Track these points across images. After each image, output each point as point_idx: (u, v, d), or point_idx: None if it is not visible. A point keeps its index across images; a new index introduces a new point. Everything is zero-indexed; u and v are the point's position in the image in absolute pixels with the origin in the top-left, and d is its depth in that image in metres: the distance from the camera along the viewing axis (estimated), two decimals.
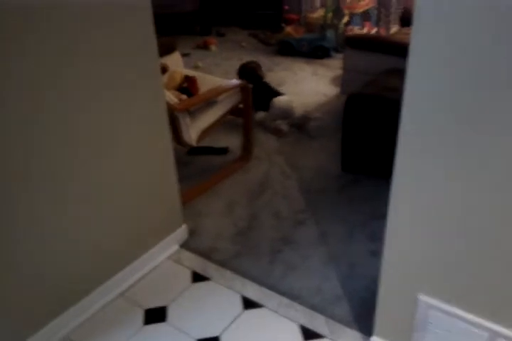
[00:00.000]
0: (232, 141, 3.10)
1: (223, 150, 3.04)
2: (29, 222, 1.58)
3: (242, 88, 2.74)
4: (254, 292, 1.98)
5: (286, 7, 4.95)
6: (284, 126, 3.24)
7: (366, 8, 4.57)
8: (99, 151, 1.73)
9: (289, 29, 4.57)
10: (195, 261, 2.15)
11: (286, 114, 3.31)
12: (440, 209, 1.24)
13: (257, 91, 3.32)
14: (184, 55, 4.41)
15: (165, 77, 2.75)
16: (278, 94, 3.49)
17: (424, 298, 1.42)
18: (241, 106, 2.81)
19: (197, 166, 2.91)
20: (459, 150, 1.12)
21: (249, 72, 3.59)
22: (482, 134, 1.07)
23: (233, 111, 2.79)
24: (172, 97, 2.41)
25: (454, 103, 1.07)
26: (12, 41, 1.36)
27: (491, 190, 1.13)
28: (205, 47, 4.79)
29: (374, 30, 4.41)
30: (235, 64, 3.77)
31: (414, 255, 1.37)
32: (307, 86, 3.89)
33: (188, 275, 2.08)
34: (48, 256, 1.68)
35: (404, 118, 1.17)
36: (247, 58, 4.31)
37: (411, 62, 1.08)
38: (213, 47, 4.76)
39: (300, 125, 3.27)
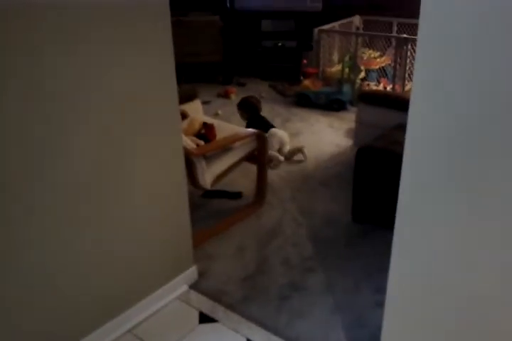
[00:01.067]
0: (247, 186, 3.19)
1: (237, 195, 3.12)
2: (39, 260, 1.65)
3: (257, 136, 2.85)
4: (260, 336, 1.99)
5: (305, 61, 5.17)
6: (280, 157, 3.53)
7: (382, 65, 4.75)
8: (117, 192, 1.82)
9: (306, 82, 4.75)
10: (203, 303, 2.18)
11: (281, 145, 3.60)
12: (439, 266, 1.28)
13: (253, 121, 3.67)
14: (205, 102, 4.59)
15: (184, 123, 2.89)
16: (272, 126, 3.73)
17: None
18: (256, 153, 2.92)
19: (210, 209, 2.98)
20: (459, 208, 1.18)
21: (249, 104, 3.80)
22: (480, 192, 1.13)
23: (248, 157, 2.90)
24: (190, 142, 2.53)
25: (451, 163, 1.14)
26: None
27: (491, 247, 1.17)
28: (225, 96, 4.99)
29: (389, 87, 4.57)
30: None
31: (415, 307, 1.40)
32: (323, 137, 4.01)
33: (195, 316, 2.10)
34: (59, 291, 1.73)
35: (404, 173, 1.24)
36: (265, 107, 4.47)
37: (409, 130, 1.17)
38: (233, 96, 4.95)
39: (289, 157, 3.60)
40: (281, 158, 3.54)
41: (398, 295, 1.46)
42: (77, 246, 1.73)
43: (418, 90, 1.13)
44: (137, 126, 1.81)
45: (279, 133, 3.63)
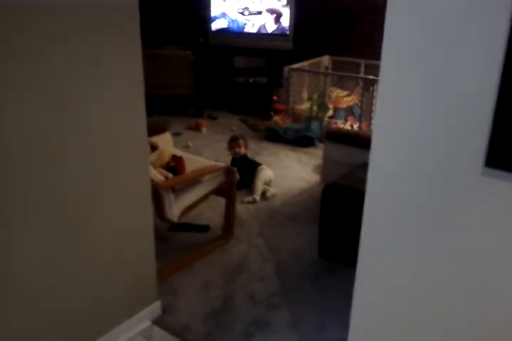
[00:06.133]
0: (214, 219, 3.18)
1: (204, 228, 3.11)
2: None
3: (226, 170, 2.87)
4: None
5: (275, 98, 5.29)
6: (270, 192, 3.62)
7: (350, 104, 4.90)
8: (83, 225, 1.80)
9: (276, 118, 4.84)
10: (166, 339, 2.14)
11: (269, 181, 3.74)
12: (400, 304, 1.30)
13: (241, 167, 3.57)
14: (176, 134, 4.62)
15: (154, 155, 2.89)
16: (259, 164, 3.80)
17: None
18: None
19: (177, 242, 2.96)
20: (419, 246, 1.21)
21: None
22: (442, 231, 1.17)
23: (217, 191, 2.91)
24: (158, 175, 2.52)
25: (413, 196, 1.18)
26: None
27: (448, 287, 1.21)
28: (196, 128, 5.02)
29: (356, 125, 4.71)
30: (224, 146, 3.96)
31: None
32: (291, 172, 4.07)
33: None
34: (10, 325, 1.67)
35: (365, 213, 1.28)
36: None
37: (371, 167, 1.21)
38: (204, 129, 4.99)
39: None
40: (269, 195, 3.60)
41: (361, 331, 1.47)
42: (39, 278, 1.69)
43: (378, 132, 1.18)
44: (104, 158, 1.81)
45: (270, 172, 3.78)
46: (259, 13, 5.30)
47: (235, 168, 2.95)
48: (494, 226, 1.05)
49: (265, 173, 3.70)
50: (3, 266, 1.58)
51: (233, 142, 3.84)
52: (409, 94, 1.09)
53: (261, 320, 2.30)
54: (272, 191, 3.63)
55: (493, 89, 0.95)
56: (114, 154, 1.84)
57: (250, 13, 5.32)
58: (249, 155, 4.00)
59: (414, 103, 1.09)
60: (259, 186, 3.59)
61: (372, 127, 4.45)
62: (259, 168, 3.72)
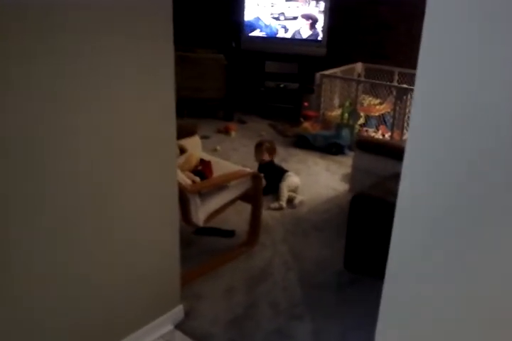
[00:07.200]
0: (240, 224, 3.17)
1: (230, 233, 3.10)
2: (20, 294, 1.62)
3: (253, 176, 2.86)
4: None
5: (306, 104, 5.25)
6: (297, 199, 3.58)
7: (382, 112, 4.83)
8: (108, 225, 1.81)
9: (306, 124, 4.81)
10: None
11: (296, 188, 3.69)
12: (426, 321, 1.27)
13: (267, 173, 3.54)
14: (205, 137, 4.63)
15: (182, 159, 2.90)
16: (285, 171, 3.79)
17: None
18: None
19: (202, 247, 2.95)
20: (448, 264, 1.17)
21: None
22: (473, 251, 1.13)
23: (243, 196, 2.89)
24: (185, 179, 2.53)
25: (443, 225, 1.14)
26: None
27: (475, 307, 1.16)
28: (226, 132, 5.03)
29: (388, 134, 4.63)
30: (252, 151, 3.95)
31: None
32: (319, 180, 4.03)
33: None
34: (37, 325, 1.68)
35: (395, 228, 1.24)
36: None
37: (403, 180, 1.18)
38: (233, 133, 4.99)
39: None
40: (297, 202, 3.58)
41: None
42: (61, 279, 1.70)
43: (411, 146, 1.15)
44: (131, 160, 1.82)
45: (296, 178, 3.75)
46: (295, 18, 5.29)
47: (261, 174, 2.94)
48: None
49: (292, 180, 3.68)
50: (22, 266, 1.59)
51: (258, 148, 3.83)
52: (445, 105, 1.06)
53: (282, 330, 2.27)
54: (299, 198, 3.59)
55: None
56: (142, 155, 1.85)
57: (286, 19, 5.32)
58: (277, 161, 3.98)
59: (450, 114, 1.05)
60: (285, 192, 3.56)
61: (404, 137, 4.39)
62: (286, 174, 3.70)
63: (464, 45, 0.99)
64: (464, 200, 1.09)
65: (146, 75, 1.76)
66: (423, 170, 1.14)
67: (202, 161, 2.92)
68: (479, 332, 1.21)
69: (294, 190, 3.68)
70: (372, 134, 4.73)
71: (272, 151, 3.84)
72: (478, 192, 1.06)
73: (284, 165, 3.97)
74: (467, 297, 1.17)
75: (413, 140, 1.14)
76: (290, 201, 3.57)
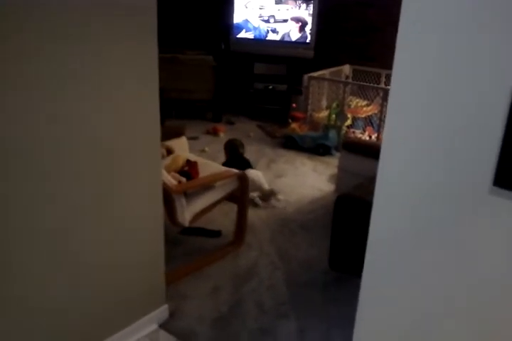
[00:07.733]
0: (226, 225, 3.18)
1: (216, 233, 3.11)
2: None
3: (239, 177, 2.88)
4: None
5: (294, 105, 5.29)
6: (257, 199, 3.56)
7: (369, 113, 4.87)
8: (93, 224, 1.82)
9: (294, 125, 4.84)
10: None
11: (254, 186, 3.52)
12: (403, 321, 1.29)
13: (231, 161, 3.70)
14: (193, 138, 4.64)
15: (168, 159, 2.92)
16: (250, 167, 3.76)
17: None
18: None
19: (188, 247, 2.97)
20: (424, 263, 1.20)
21: (230, 145, 3.98)
22: (447, 248, 1.16)
23: (229, 197, 2.91)
24: (171, 179, 2.54)
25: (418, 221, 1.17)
26: None
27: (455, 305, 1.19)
28: (214, 133, 5.05)
29: (374, 135, 4.68)
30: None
31: None
32: (306, 180, 4.06)
33: None
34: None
35: (371, 226, 1.27)
36: (252, 147, 4.55)
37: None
38: (222, 134, 5.01)
39: (266, 198, 3.60)
40: (258, 202, 3.57)
41: None
42: (40, 279, 1.71)
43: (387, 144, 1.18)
44: (114, 160, 1.83)
45: (251, 175, 3.53)
46: (285, 21, 5.33)
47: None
48: (500, 245, 1.04)
49: (250, 177, 3.59)
50: (3, 267, 1.60)
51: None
52: (419, 108, 1.09)
53: (267, 328, 2.29)
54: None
55: (504, 107, 0.94)
56: (126, 156, 1.86)
57: (276, 21, 5.36)
58: (265, 161, 3.99)
59: (423, 117, 1.08)
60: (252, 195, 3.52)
61: None
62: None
63: (436, 49, 1.02)
64: (437, 199, 1.12)
65: (130, 75, 1.78)
66: (397, 170, 1.18)
67: (188, 162, 2.94)
68: (456, 328, 1.23)
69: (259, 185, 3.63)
70: (359, 135, 4.77)
71: (240, 147, 3.95)
72: (450, 192, 1.09)
73: (273, 166, 3.99)
74: (443, 296, 1.20)
75: (387, 141, 1.17)
76: (267, 197, 3.61)
